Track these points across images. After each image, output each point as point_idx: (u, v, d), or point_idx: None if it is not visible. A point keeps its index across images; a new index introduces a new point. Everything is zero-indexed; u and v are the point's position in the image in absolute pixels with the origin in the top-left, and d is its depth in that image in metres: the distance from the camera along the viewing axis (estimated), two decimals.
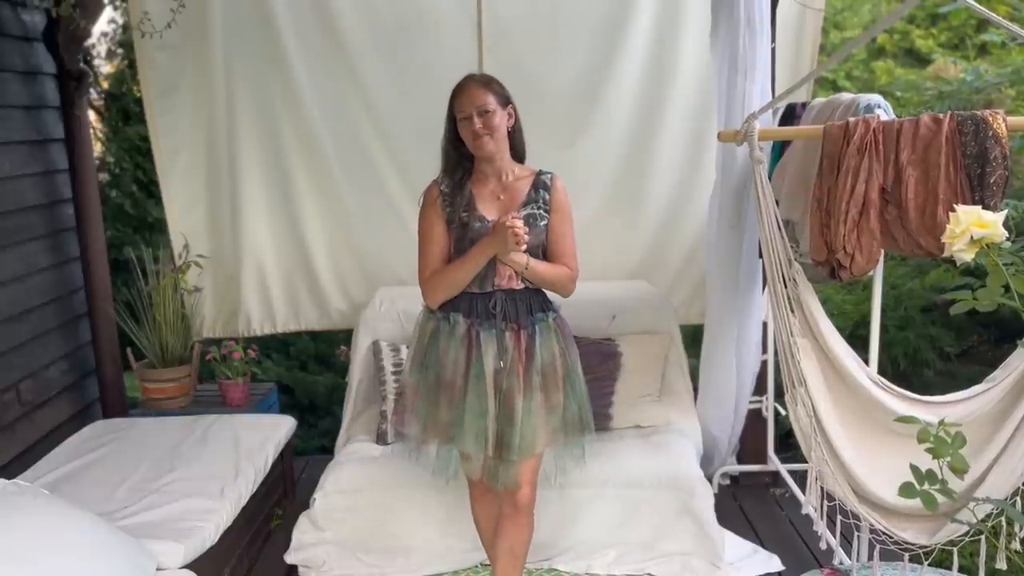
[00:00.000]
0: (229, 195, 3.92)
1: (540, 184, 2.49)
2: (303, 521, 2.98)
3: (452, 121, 2.46)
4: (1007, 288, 1.40)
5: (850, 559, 2.77)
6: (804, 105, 3.08)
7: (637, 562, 2.97)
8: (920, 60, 6.52)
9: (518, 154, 2.54)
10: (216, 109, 3.81)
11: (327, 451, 3.88)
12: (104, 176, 6.08)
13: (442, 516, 3.00)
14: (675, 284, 4.03)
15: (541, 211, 2.47)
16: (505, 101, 2.45)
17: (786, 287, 2.40)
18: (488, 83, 2.44)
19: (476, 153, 2.44)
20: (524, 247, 2.36)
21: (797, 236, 2.79)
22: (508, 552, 2.55)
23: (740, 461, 3.80)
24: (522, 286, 2.46)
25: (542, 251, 2.49)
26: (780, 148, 3.03)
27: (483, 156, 2.44)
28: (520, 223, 2.34)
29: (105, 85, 6.31)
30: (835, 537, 2.58)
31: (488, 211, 2.46)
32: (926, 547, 2.33)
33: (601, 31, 3.73)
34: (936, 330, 4.15)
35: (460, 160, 2.49)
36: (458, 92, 2.45)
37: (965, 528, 2.24)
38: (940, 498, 1.49)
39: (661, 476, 2.97)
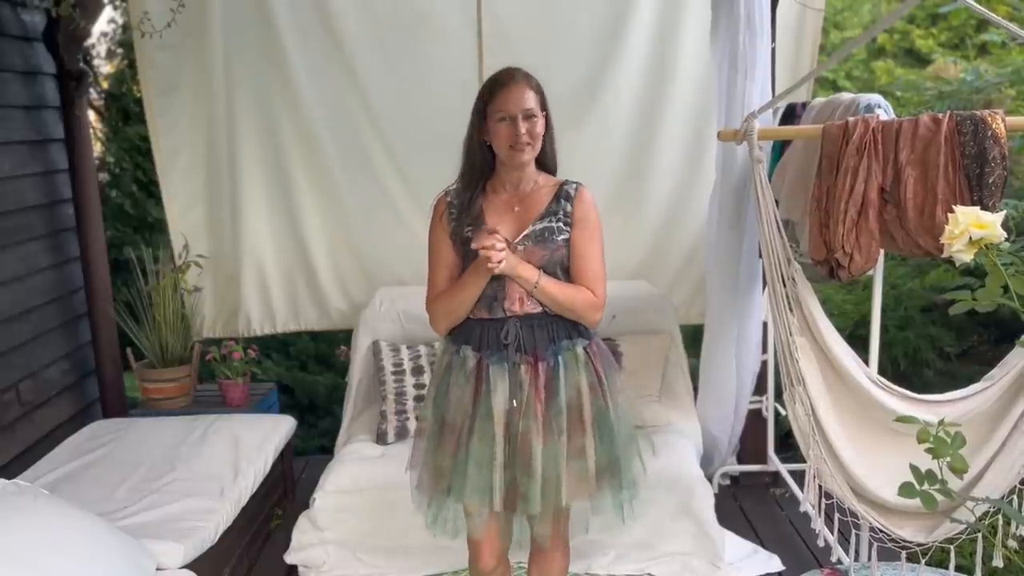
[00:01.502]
0: (229, 195, 3.92)
1: (563, 194, 2.17)
2: (303, 521, 2.98)
3: (480, 116, 2.15)
4: (1006, 288, 1.40)
5: (848, 557, 2.77)
6: (804, 105, 3.08)
7: (637, 562, 2.97)
8: (920, 60, 6.52)
9: (547, 165, 2.24)
10: (216, 109, 3.82)
11: (327, 451, 3.88)
12: (104, 176, 6.07)
13: None
14: (675, 284, 4.03)
15: (560, 224, 2.14)
16: (543, 105, 2.15)
17: (785, 286, 2.40)
18: (531, 82, 2.14)
19: (509, 162, 2.13)
20: (500, 264, 2.01)
21: (797, 236, 2.79)
22: None
23: (740, 461, 3.80)
24: (540, 310, 2.13)
25: (561, 270, 2.16)
26: (780, 148, 3.03)
27: (515, 166, 2.14)
28: (493, 242, 2.01)
29: (105, 85, 6.31)
30: (833, 535, 2.58)
31: (499, 223, 2.15)
32: (924, 545, 2.34)
33: (601, 31, 3.73)
34: (936, 330, 4.15)
35: (483, 163, 2.18)
36: (500, 87, 2.12)
37: (963, 526, 2.24)
38: (939, 497, 1.49)
39: (661, 476, 2.95)
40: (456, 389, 2.14)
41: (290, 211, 3.95)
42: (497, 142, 2.12)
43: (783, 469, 3.59)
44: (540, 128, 2.12)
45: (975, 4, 2.22)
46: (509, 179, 2.19)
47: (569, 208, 2.16)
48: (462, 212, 2.17)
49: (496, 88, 2.13)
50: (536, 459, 2.07)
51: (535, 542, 2.27)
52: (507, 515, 2.19)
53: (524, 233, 2.14)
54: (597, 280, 2.16)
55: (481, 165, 2.18)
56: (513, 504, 2.12)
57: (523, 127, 2.08)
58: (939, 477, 1.49)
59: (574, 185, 2.21)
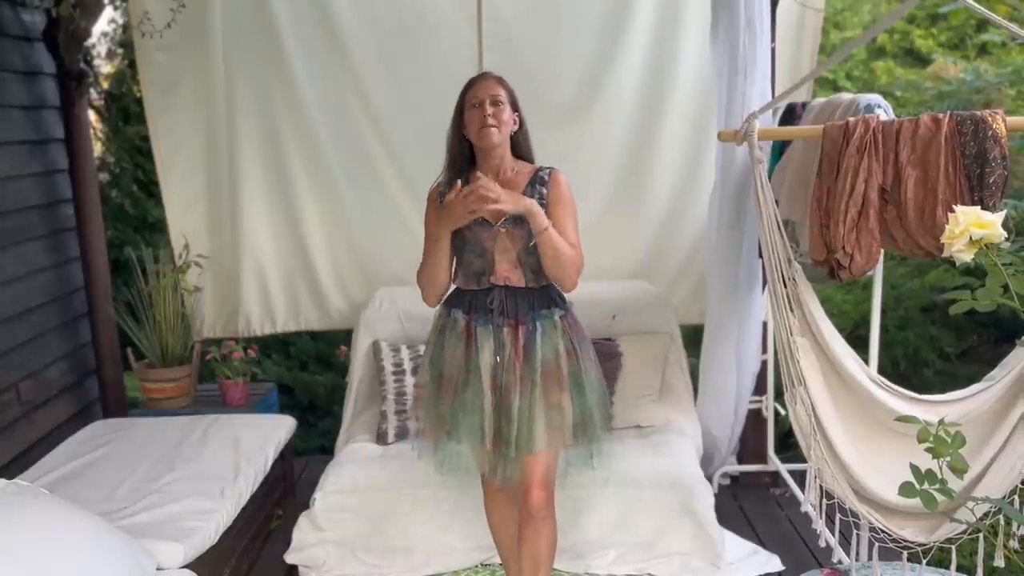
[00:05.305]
0: (229, 195, 3.92)
1: (538, 179, 2.44)
2: (303, 521, 2.99)
3: (460, 114, 2.45)
4: (1006, 288, 1.40)
5: (849, 557, 2.77)
6: (804, 105, 3.08)
7: (637, 562, 2.97)
8: (920, 60, 6.53)
9: (524, 156, 2.52)
10: (216, 109, 3.82)
11: (327, 451, 3.89)
12: (104, 176, 6.07)
13: (442, 516, 3.00)
14: (675, 284, 4.03)
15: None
16: (514, 104, 2.45)
17: (785, 287, 2.40)
18: (502, 81, 2.46)
19: (479, 143, 2.41)
20: (497, 200, 2.28)
21: (797, 236, 2.79)
22: (529, 559, 2.47)
23: (740, 461, 3.80)
24: (523, 283, 2.42)
25: (537, 251, 2.39)
26: (780, 148, 3.03)
27: (486, 146, 2.40)
28: (485, 182, 2.28)
29: (105, 85, 6.30)
30: (834, 536, 2.58)
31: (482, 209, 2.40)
32: (924, 545, 2.34)
33: (601, 32, 3.73)
34: (936, 330, 4.15)
35: (463, 155, 2.47)
36: (473, 82, 2.46)
37: (964, 527, 2.24)
38: (939, 497, 1.49)
39: (661, 476, 2.97)
40: (451, 348, 2.45)
41: (290, 211, 3.95)
42: (470, 127, 2.41)
43: (783, 469, 3.59)
44: (507, 116, 2.40)
45: (975, 4, 2.22)
46: (487, 166, 2.44)
47: (545, 191, 2.43)
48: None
49: (469, 85, 2.46)
50: (514, 408, 2.39)
51: (523, 508, 2.44)
52: (496, 456, 2.46)
53: (504, 217, 2.37)
54: (577, 248, 2.42)
55: (460, 156, 2.47)
56: (498, 447, 2.43)
57: (489, 110, 2.37)
58: (939, 477, 1.49)
59: (548, 170, 2.48)
